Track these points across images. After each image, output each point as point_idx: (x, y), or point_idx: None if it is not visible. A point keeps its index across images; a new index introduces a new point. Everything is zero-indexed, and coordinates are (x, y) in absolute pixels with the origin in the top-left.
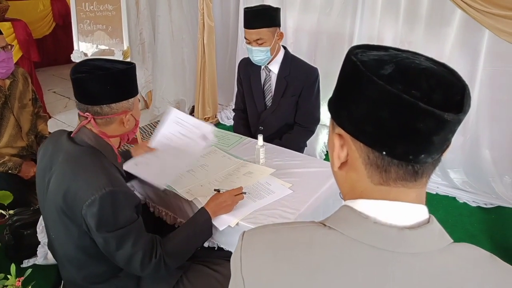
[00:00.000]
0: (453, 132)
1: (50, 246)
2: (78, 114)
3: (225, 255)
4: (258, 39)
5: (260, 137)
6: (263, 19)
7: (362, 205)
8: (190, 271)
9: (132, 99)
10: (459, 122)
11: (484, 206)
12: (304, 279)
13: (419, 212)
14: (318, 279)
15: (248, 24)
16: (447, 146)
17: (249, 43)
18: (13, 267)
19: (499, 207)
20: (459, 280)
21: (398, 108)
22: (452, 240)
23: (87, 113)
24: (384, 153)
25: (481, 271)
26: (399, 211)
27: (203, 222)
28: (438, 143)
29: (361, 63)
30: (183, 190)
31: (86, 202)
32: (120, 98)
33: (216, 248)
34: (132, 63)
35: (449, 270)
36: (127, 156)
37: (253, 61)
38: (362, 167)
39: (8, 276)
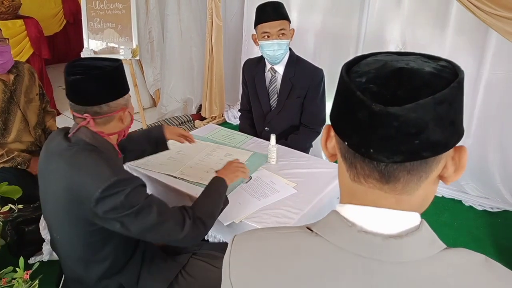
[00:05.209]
0: (402, 131)
1: (53, 245)
2: (74, 116)
3: (224, 249)
4: (281, 29)
5: (273, 137)
6: (282, 11)
7: (348, 211)
8: (188, 265)
9: (127, 95)
10: (393, 116)
11: (491, 210)
12: (290, 287)
13: (408, 220)
14: (303, 287)
15: (269, 16)
16: (413, 153)
17: (268, 37)
18: (21, 260)
19: (505, 211)
20: None
21: (347, 97)
22: (445, 246)
23: (86, 114)
24: (346, 143)
25: (472, 278)
26: (385, 219)
27: (220, 186)
28: (386, 140)
29: (346, 73)
30: (177, 172)
31: (94, 195)
32: (117, 96)
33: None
34: (119, 60)
35: (437, 279)
36: (160, 132)
37: (270, 58)
38: (341, 160)
39: (17, 269)
